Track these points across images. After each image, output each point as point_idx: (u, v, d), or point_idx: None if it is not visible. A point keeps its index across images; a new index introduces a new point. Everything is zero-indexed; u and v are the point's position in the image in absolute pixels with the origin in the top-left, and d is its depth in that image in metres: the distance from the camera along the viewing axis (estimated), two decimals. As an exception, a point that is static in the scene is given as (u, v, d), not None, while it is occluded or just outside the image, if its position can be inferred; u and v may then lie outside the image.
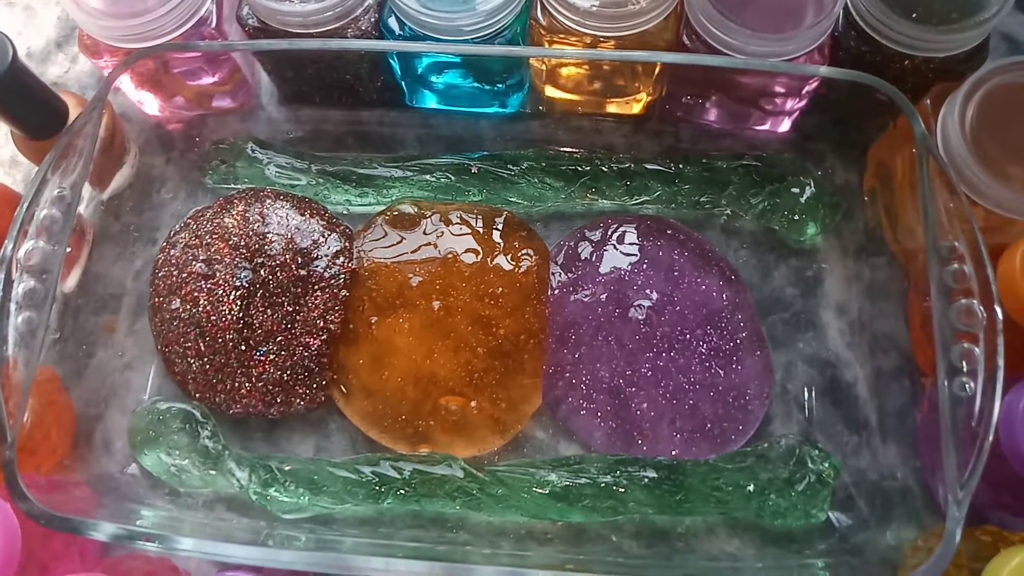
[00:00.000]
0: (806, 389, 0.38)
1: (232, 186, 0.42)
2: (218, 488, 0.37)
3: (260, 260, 0.38)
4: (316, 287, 0.38)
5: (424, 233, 0.40)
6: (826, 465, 0.35)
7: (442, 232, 0.40)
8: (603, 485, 0.35)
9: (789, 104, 0.40)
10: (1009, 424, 0.31)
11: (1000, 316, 0.31)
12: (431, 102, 0.44)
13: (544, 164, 0.41)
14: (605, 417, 0.37)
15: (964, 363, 0.31)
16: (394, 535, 0.36)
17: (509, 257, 0.40)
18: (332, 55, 0.40)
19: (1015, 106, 0.35)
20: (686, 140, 0.43)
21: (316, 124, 0.44)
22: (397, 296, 0.39)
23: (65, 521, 0.31)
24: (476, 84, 0.41)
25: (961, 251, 0.33)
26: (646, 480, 0.35)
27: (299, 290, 0.38)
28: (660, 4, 0.36)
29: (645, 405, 0.37)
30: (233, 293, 0.38)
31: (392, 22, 0.39)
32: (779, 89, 0.39)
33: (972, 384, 0.31)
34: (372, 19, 0.39)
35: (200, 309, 0.37)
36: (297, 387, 0.37)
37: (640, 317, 0.38)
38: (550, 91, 0.42)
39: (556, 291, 0.40)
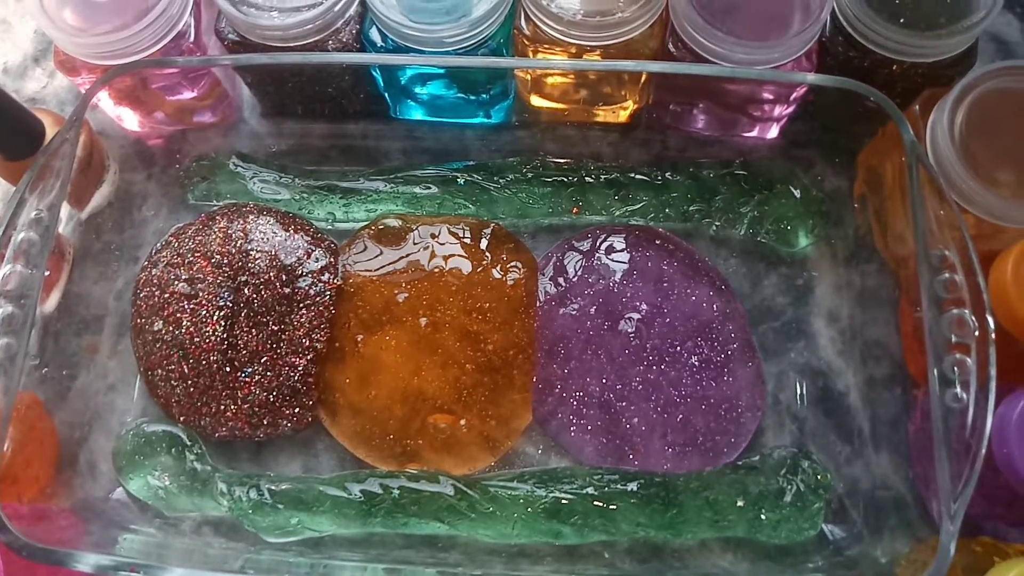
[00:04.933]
0: (798, 399, 0.38)
1: (215, 202, 0.42)
2: (206, 511, 0.36)
3: (244, 278, 0.38)
4: (301, 305, 0.38)
5: (410, 247, 0.40)
6: (818, 477, 0.35)
7: (428, 246, 0.40)
8: (594, 502, 0.35)
9: (777, 111, 0.40)
10: (1002, 435, 0.30)
11: (992, 326, 0.31)
12: (415, 114, 0.43)
13: (531, 174, 0.41)
14: (596, 432, 0.37)
15: (956, 374, 0.31)
16: (384, 556, 0.35)
17: (497, 270, 0.39)
18: (313, 68, 0.39)
19: (1005, 111, 0.34)
20: (674, 148, 0.43)
21: (299, 138, 0.43)
22: (383, 312, 0.38)
23: (48, 553, 0.31)
24: (460, 95, 0.41)
25: (952, 260, 0.32)
26: (636, 496, 0.35)
27: (284, 308, 0.38)
28: (645, 12, 0.36)
29: (636, 419, 0.37)
30: (217, 313, 0.37)
31: (374, 34, 0.38)
32: (767, 96, 0.39)
33: (965, 395, 0.31)
34: (353, 31, 0.39)
35: (183, 330, 0.37)
36: (284, 408, 0.37)
37: (630, 329, 0.38)
38: (536, 100, 0.42)
39: (544, 304, 0.39)
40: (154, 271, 0.39)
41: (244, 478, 0.36)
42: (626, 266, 0.39)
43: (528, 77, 0.40)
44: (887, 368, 0.38)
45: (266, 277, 0.38)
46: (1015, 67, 0.35)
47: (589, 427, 0.37)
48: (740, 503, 0.34)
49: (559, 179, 0.41)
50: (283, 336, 0.37)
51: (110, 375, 0.40)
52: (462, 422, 0.37)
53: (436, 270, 0.39)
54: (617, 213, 0.41)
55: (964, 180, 0.33)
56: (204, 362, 0.36)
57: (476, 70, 0.39)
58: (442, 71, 0.39)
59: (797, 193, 0.40)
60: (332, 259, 0.39)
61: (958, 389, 0.31)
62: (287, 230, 0.39)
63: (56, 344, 0.40)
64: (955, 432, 0.30)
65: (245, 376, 0.37)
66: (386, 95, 0.42)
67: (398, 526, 0.35)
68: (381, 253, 0.40)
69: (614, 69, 0.38)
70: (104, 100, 0.41)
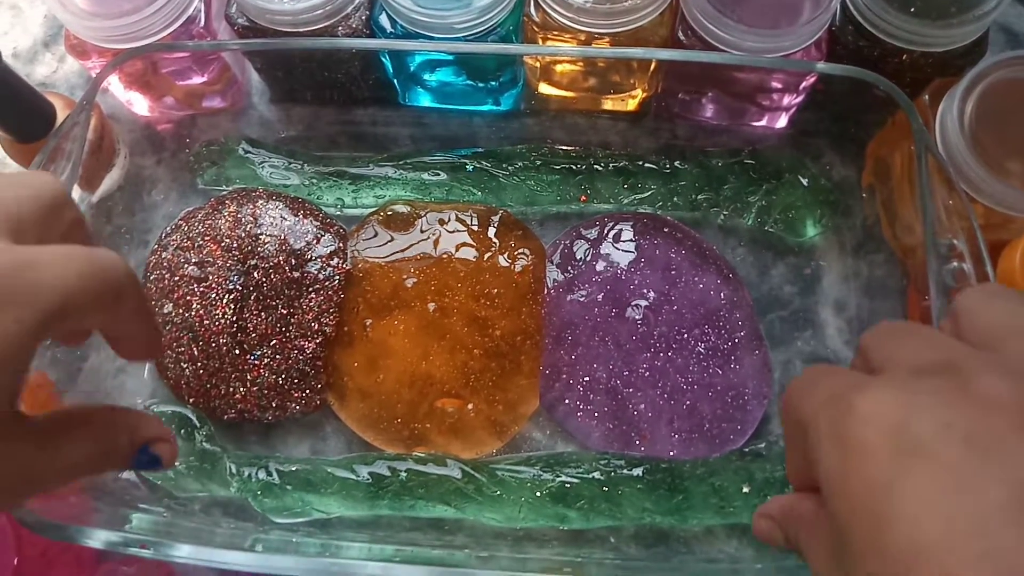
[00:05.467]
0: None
1: (224, 187, 0.42)
2: (215, 492, 0.37)
3: (253, 262, 0.38)
4: (310, 289, 0.38)
5: (418, 233, 0.40)
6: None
7: (437, 232, 0.40)
8: (600, 487, 0.35)
9: (786, 100, 0.40)
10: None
11: (999, 315, 0.31)
12: (424, 100, 0.43)
13: (539, 162, 0.41)
14: (603, 418, 0.37)
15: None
16: (391, 538, 0.36)
17: (504, 257, 0.39)
18: (323, 54, 0.39)
19: (1014, 101, 0.34)
20: (682, 136, 0.43)
21: (308, 123, 0.44)
22: (392, 297, 0.38)
23: (59, 528, 0.31)
24: (469, 82, 0.41)
25: (960, 249, 0.33)
26: (642, 482, 0.35)
27: (293, 292, 0.38)
28: (655, 0, 0.36)
29: (643, 406, 0.37)
30: (226, 296, 0.37)
31: (383, 19, 0.38)
32: (776, 85, 0.39)
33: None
34: (363, 17, 0.39)
35: (193, 313, 0.37)
36: (292, 391, 0.37)
37: (637, 317, 0.38)
38: (544, 88, 0.42)
39: (552, 291, 0.39)
40: (164, 254, 0.39)
41: (253, 459, 0.36)
42: (634, 254, 0.40)
43: (537, 65, 0.40)
44: (893, 357, 0.38)
45: (275, 261, 0.38)
46: (1026, 57, 0.34)
47: (596, 413, 0.37)
48: (746, 490, 0.35)
49: (568, 167, 0.41)
50: (292, 320, 0.37)
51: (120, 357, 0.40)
52: (469, 406, 0.37)
53: (444, 256, 0.39)
54: (625, 201, 0.41)
55: (973, 169, 0.33)
56: (214, 344, 0.37)
57: (485, 57, 0.39)
58: (451, 58, 0.39)
59: (805, 182, 0.40)
60: (341, 244, 0.40)
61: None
62: (296, 215, 0.40)
63: (66, 326, 0.40)
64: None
65: (254, 359, 0.37)
66: (395, 81, 0.42)
67: (405, 508, 0.35)
68: (390, 239, 0.40)
69: (623, 56, 0.38)
70: (114, 84, 0.41)
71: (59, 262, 0.21)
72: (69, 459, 0.24)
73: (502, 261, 0.39)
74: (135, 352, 0.26)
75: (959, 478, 0.16)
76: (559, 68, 0.41)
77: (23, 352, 0.20)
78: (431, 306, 0.38)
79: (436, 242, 0.40)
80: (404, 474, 0.35)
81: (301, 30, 0.38)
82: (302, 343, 0.37)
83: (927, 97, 0.36)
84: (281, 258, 0.38)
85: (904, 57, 0.36)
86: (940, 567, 0.16)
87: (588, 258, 0.40)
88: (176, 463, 0.35)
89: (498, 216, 0.40)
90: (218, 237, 0.38)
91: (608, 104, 0.43)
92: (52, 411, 0.24)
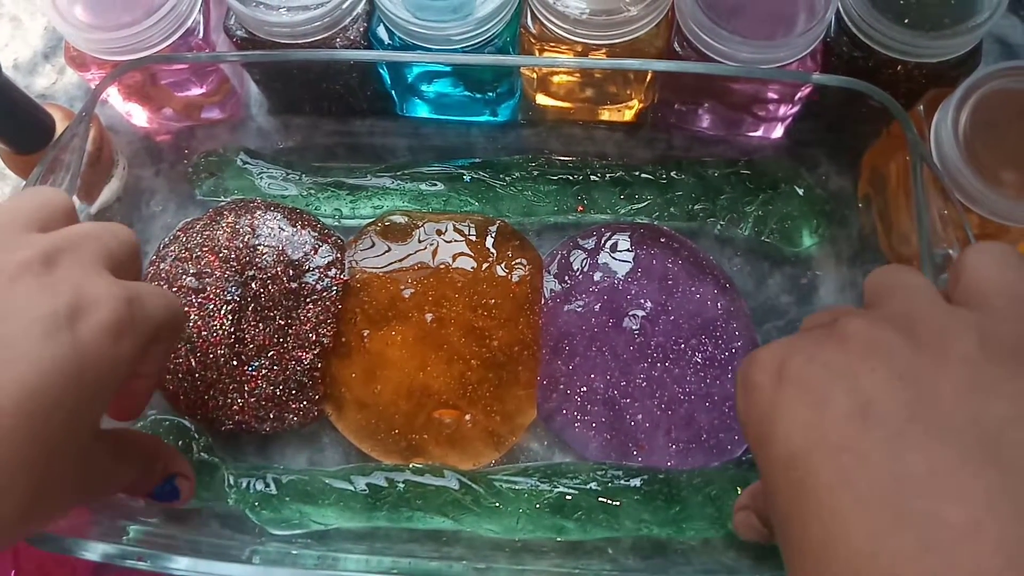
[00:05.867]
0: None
1: (222, 198, 0.42)
2: (212, 503, 0.37)
3: (251, 273, 0.38)
4: (308, 300, 0.38)
5: (416, 243, 0.40)
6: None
7: (434, 242, 0.40)
8: (598, 497, 0.35)
9: (782, 110, 0.40)
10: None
11: (995, 324, 0.31)
12: (422, 111, 0.43)
13: (536, 172, 0.41)
14: (600, 429, 0.37)
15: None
16: (388, 550, 0.35)
17: (502, 267, 0.39)
18: (321, 65, 0.39)
19: (1008, 111, 0.34)
20: (679, 147, 0.43)
21: (306, 134, 0.44)
22: (389, 308, 0.38)
23: (55, 541, 0.31)
24: (467, 93, 0.41)
25: (956, 259, 0.33)
26: (639, 493, 0.35)
27: (291, 303, 0.38)
28: (651, 11, 0.36)
29: (640, 416, 0.37)
30: (224, 307, 0.37)
31: (381, 31, 0.39)
32: (772, 95, 0.39)
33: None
34: (361, 28, 0.39)
35: (191, 324, 0.37)
36: (290, 402, 0.37)
37: (634, 327, 0.38)
38: (541, 99, 0.42)
39: (549, 301, 0.39)
40: (162, 265, 0.39)
41: (251, 470, 0.36)
42: (631, 264, 0.40)
43: (534, 76, 0.41)
44: (890, 367, 0.38)
45: (273, 272, 0.38)
46: (1019, 68, 0.35)
47: (593, 423, 0.37)
48: (743, 499, 0.35)
49: (565, 177, 0.41)
50: (290, 330, 0.38)
51: (117, 368, 0.40)
52: (467, 417, 0.37)
53: (442, 266, 0.39)
54: (622, 211, 0.41)
55: (968, 180, 0.33)
56: (211, 356, 0.37)
57: (482, 68, 0.39)
58: (448, 69, 0.40)
59: (801, 193, 0.40)
60: (339, 255, 0.40)
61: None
62: (294, 226, 0.40)
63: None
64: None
65: (252, 370, 0.37)
66: (393, 92, 0.42)
67: (403, 520, 0.35)
68: (387, 249, 0.40)
69: (619, 67, 0.38)
70: (113, 96, 0.41)
71: (153, 297, 0.25)
72: (124, 474, 0.27)
73: (499, 271, 0.39)
74: (135, 397, 0.29)
75: (816, 396, 0.21)
76: (556, 79, 0.41)
77: (127, 371, 0.24)
78: (428, 317, 0.38)
79: (434, 253, 0.40)
80: (401, 485, 0.35)
81: (299, 42, 0.38)
82: (300, 354, 0.37)
83: (922, 108, 0.36)
84: (279, 269, 0.38)
85: (899, 68, 0.36)
86: (806, 464, 0.20)
87: (585, 268, 0.40)
88: (189, 503, 0.35)
89: (495, 226, 0.40)
90: (216, 248, 0.39)
91: (605, 115, 0.43)
92: (114, 429, 0.28)
